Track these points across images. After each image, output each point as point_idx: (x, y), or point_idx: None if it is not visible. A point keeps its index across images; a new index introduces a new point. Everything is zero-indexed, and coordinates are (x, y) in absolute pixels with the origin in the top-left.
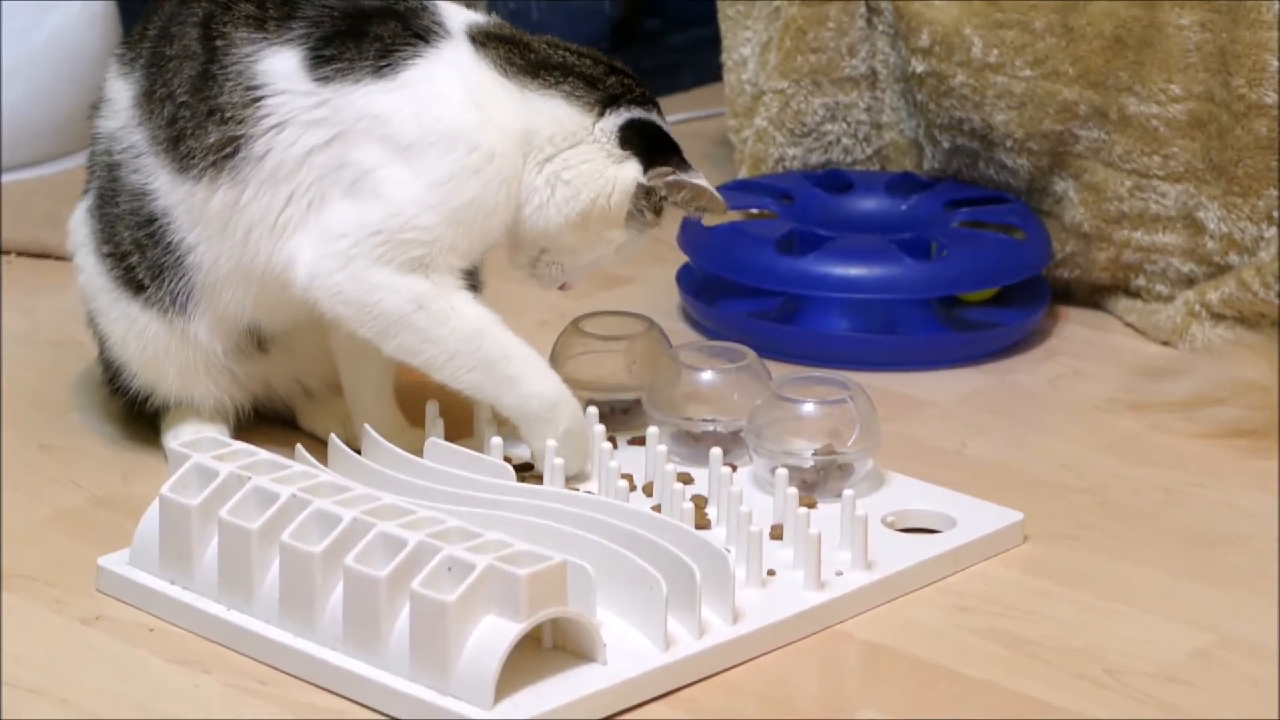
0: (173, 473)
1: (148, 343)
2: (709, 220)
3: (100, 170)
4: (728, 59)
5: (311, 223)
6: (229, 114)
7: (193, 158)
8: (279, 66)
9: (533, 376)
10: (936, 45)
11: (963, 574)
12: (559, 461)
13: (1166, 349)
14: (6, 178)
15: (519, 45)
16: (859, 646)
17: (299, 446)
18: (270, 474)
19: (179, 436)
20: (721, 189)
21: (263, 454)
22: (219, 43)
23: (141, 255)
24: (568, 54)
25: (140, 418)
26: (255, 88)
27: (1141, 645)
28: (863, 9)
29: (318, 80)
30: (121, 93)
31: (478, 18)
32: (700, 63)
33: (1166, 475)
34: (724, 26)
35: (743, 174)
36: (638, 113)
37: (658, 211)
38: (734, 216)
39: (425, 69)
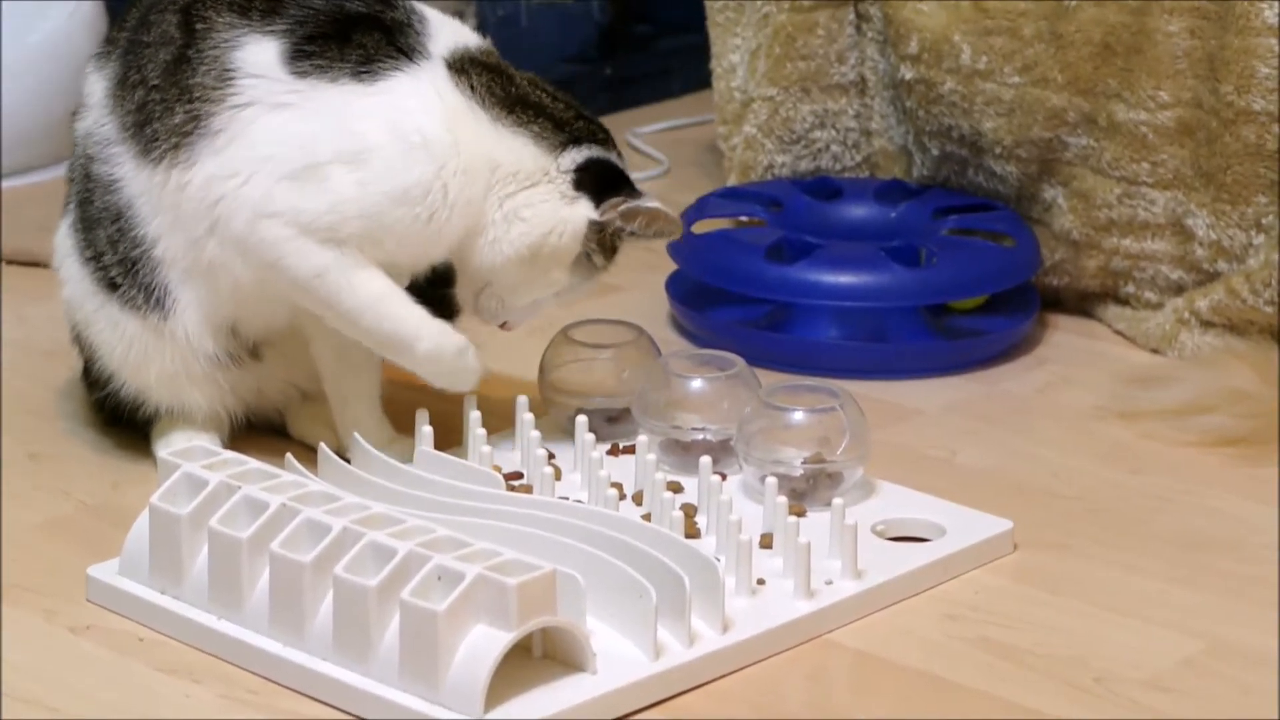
0: (163, 482)
1: (129, 346)
2: (698, 227)
3: (78, 174)
4: (717, 66)
5: (245, 196)
6: (198, 95)
7: (156, 140)
8: (257, 56)
9: (411, 344)
10: (925, 52)
11: (953, 582)
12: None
13: (1156, 356)
14: (3, 184)
15: (502, 76)
16: (849, 655)
17: (289, 455)
18: (260, 483)
19: (169, 445)
20: (710, 196)
21: (253, 463)
22: (199, 26)
23: (113, 251)
24: (544, 94)
25: (131, 427)
26: (230, 71)
27: (1131, 653)
28: (852, 16)
29: (294, 74)
30: (96, 87)
31: (467, 41)
32: (689, 69)
33: (1156, 483)
34: (713, 33)
35: (732, 181)
36: (595, 151)
37: (610, 253)
38: (724, 223)
39: (406, 82)
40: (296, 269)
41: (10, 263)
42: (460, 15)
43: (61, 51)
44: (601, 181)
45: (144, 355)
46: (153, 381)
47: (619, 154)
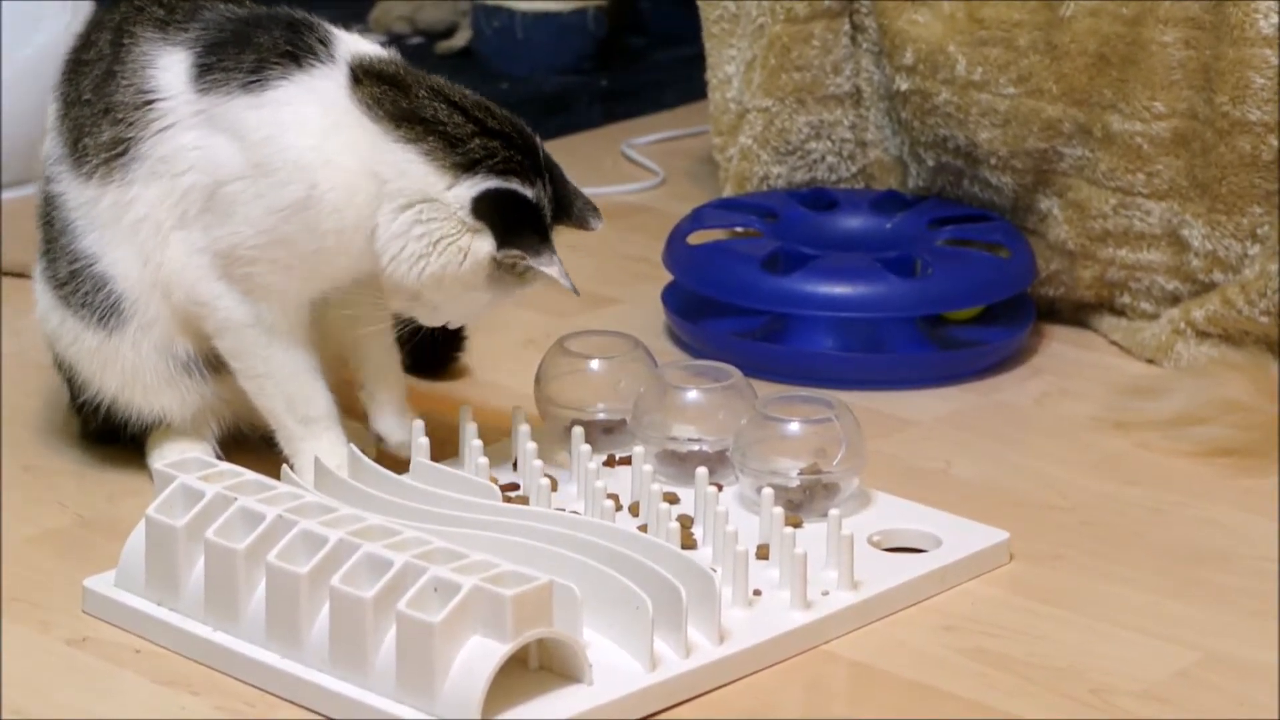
0: (159, 493)
1: (90, 359)
2: (694, 239)
3: (42, 197)
4: (712, 77)
5: (180, 229)
6: (120, 116)
7: (87, 155)
8: (169, 70)
9: (308, 446)
10: (920, 63)
11: (948, 593)
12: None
13: (1151, 367)
14: (3, 195)
15: (397, 87)
16: (845, 666)
17: (285, 467)
18: (256, 494)
19: (164, 457)
20: (706, 207)
21: (249, 474)
22: (125, 40)
23: (65, 266)
24: (441, 107)
25: (122, 442)
26: (147, 92)
27: (1127, 664)
28: (847, 27)
29: (198, 90)
30: (51, 111)
31: (370, 49)
32: (685, 80)
33: (1151, 494)
34: (708, 44)
35: (727, 192)
36: (495, 182)
37: (522, 278)
38: (720, 235)
39: (289, 92)
40: (216, 315)
41: (9, 275)
42: (456, 27)
43: (58, 63)
44: (503, 215)
45: (102, 368)
46: (116, 392)
47: (524, 176)
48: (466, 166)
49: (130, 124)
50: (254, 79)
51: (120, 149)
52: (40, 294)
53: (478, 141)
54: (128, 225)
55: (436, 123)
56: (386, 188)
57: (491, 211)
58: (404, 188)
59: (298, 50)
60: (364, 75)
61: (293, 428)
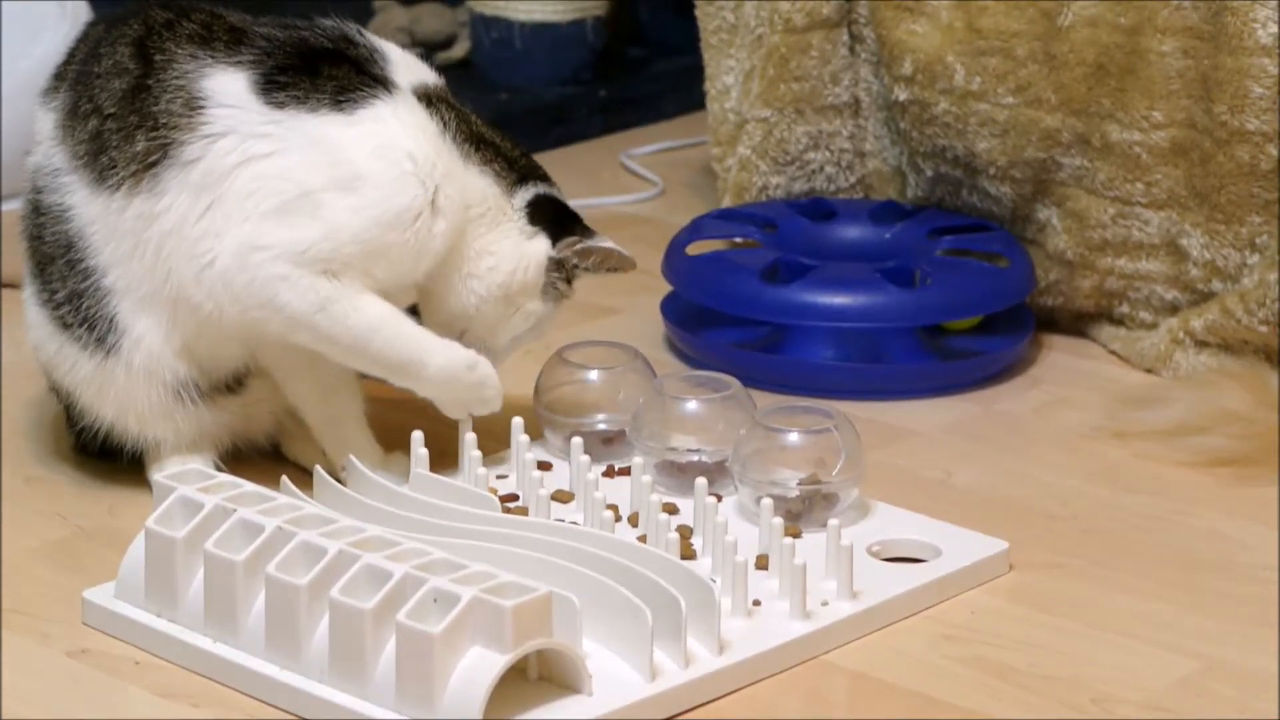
0: (158, 505)
1: (87, 385)
2: (693, 249)
3: (29, 211)
4: (711, 87)
5: (228, 232)
6: (163, 121)
7: (114, 168)
8: (226, 85)
9: (422, 362)
10: (919, 73)
11: (948, 603)
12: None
13: (1150, 376)
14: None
15: (460, 113)
16: (845, 676)
17: (284, 478)
18: (256, 506)
19: (164, 469)
20: (705, 218)
21: (248, 486)
22: (158, 58)
23: (64, 286)
24: (493, 132)
25: (122, 458)
26: (198, 99)
27: (1127, 673)
28: (845, 37)
29: (270, 104)
30: (45, 121)
31: (425, 77)
32: (683, 91)
33: (1151, 503)
34: (707, 55)
35: (726, 203)
36: (541, 188)
37: (569, 282)
38: (719, 245)
39: (387, 111)
40: (298, 304)
41: (9, 286)
42: (455, 38)
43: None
44: (553, 218)
45: (99, 394)
46: (114, 418)
47: (557, 188)
48: (519, 180)
49: (174, 129)
50: (343, 99)
51: (154, 158)
52: (34, 320)
53: (524, 160)
54: (152, 238)
55: (498, 145)
56: (472, 211)
57: (542, 215)
58: (484, 212)
59: (375, 77)
60: (432, 101)
61: (420, 361)
